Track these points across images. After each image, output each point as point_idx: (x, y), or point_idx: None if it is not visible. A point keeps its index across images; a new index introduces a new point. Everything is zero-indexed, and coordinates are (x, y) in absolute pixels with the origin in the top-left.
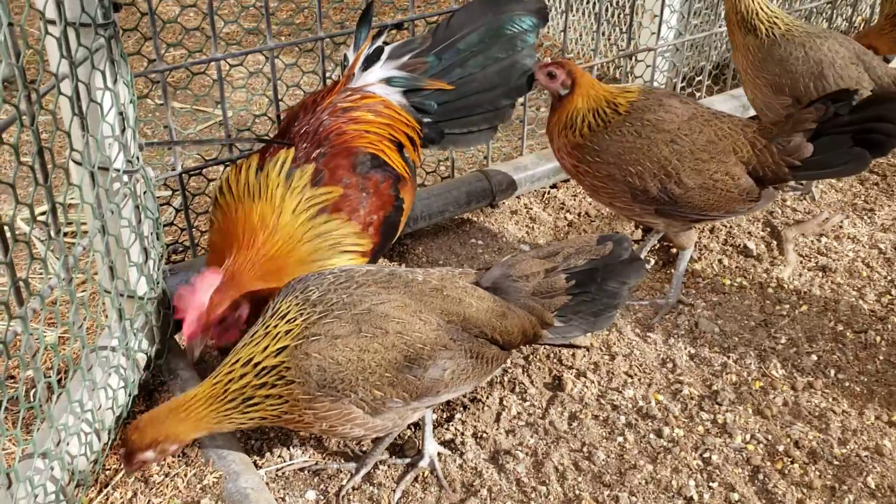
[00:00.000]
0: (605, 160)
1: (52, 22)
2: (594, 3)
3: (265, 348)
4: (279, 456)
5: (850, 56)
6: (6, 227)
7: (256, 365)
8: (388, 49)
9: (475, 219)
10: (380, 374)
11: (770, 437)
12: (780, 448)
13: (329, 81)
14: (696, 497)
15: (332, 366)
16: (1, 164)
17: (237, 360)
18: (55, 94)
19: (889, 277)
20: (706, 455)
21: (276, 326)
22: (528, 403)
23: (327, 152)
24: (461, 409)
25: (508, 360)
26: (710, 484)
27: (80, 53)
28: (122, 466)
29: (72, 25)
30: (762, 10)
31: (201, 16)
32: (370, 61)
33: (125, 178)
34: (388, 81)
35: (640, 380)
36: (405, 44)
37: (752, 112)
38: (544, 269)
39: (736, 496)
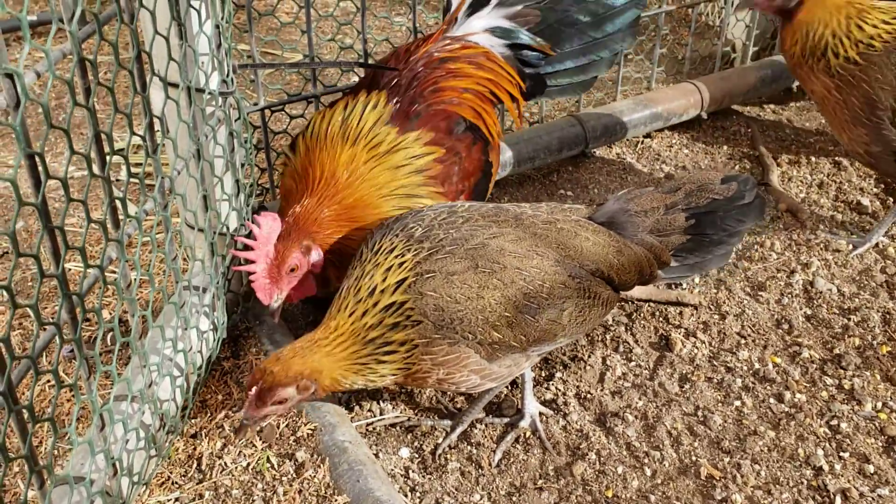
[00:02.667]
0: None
1: None
2: None
3: (384, 280)
4: (369, 410)
5: None
6: (104, 137)
7: (382, 298)
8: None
9: (564, 168)
10: (500, 313)
11: None
12: None
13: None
14: (825, 467)
15: (450, 304)
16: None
17: (360, 289)
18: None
19: None
20: (833, 423)
21: (386, 260)
22: (633, 364)
23: (422, 112)
24: (561, 367)
25: (609, 316)
26: (841, 454)
27: None
28: (247, 412)
29: None
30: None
31: None
32: (477, 5)
33: (220, 99)
34: (494, 32)
35: (754, 341)
36: None
37: None
38: (664, 204)
39: (871, 468)
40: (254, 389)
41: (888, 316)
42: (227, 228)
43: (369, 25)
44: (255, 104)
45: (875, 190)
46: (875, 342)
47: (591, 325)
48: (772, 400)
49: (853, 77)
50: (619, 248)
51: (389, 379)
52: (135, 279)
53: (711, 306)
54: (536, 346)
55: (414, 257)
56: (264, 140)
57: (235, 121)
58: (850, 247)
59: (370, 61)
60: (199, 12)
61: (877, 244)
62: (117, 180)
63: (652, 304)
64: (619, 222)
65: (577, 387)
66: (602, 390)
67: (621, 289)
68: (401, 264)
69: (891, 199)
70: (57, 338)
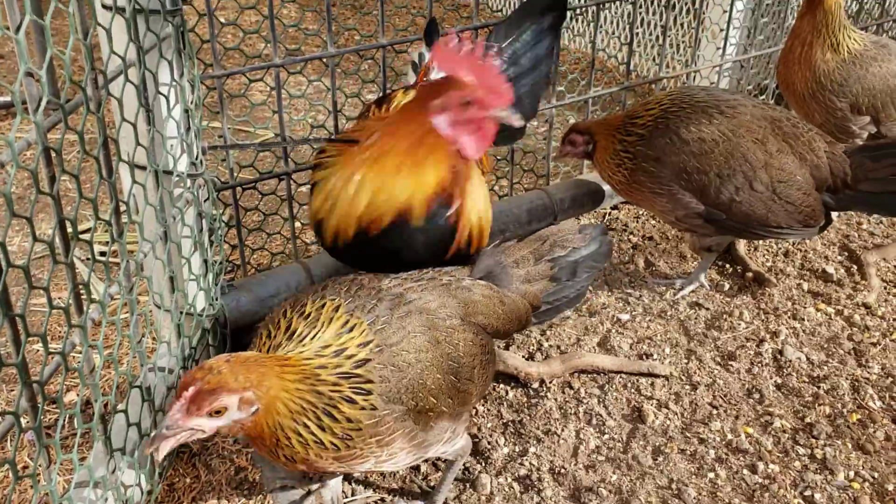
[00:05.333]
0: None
1: (122, 9)
2: (660, 16)
3: (341, 341)
4: (342, 492)
5: None
6: (68, 223)
7: (344, 364)
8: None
9: None
10: (433, 375)
11: (876, 474)
12: (890, 487)
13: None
14: None
15: (395, 373)
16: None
17: (326, 346)
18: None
19: None
20: (807, 493)
21: (335, 317)
22: (606, 437)
23: None
24: (535, 441)
25: (582, 388)
26: None
27: (148, 39)
28: (173, 419)
29: (140, 12)
30: (847, 25)
31: (256, 21)
32: None
33: (189, 181)
34: None
35: (726, 411)
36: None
37: None
38: (533, 255)
39: None
40: (190, 390)
41: (856, 383)
42: (195, 309)
43: (340, 103)
44: (227, 182)
45: (839, 258)
46: (845, 410)
47: (490, 383)
48: (745, 471)
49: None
50: (502, 298)
51: (322, 457)
52: (98, 364)
53: (683, 376)
54: (462, 408)
55: (363, 324)
56: (235, 217)
57: (205, 201)
58: (677, 285)
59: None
60: (167, 98)
61: (844, 310)
62: (87, 259)
63: (623, 375)
64: (496, 275)
65: (551, 461)
66: (576, 464)
67: (503, 338)
68: (352, 328)
69: (854, 267)
70: (16, 427)
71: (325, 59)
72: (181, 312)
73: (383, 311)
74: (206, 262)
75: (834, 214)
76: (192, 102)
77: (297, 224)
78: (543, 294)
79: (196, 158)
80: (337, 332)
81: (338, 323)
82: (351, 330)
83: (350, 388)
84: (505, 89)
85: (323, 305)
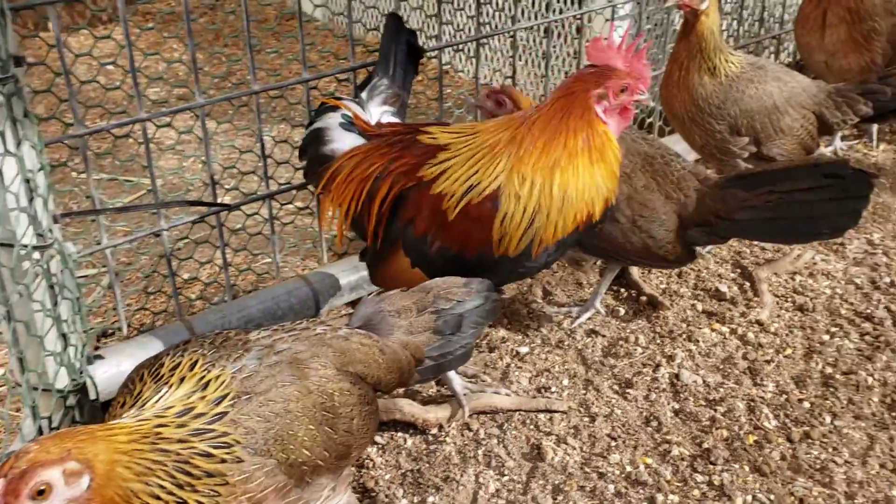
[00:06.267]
0: None
1: None
2: (541, 42)
3: (194, 407)
4: None
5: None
6: None
7: (191, 423)
8: (366, 94)
9: None
10: (306, 426)
11: (773, 496)
12: None
13: (266, 139)
14: None
15: (262, 424)
16: None
17: (169, 408)
18: None
19: (868, 312)
20: None
21: (190, 374)
22: (506, 478)
23: None
24: (434, 491)
25: (482, 429)
26: None
27: None
28: None
29: None
30: (724, 49)
31: (121, 76)
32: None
33: (36, 254)
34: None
35: (624, 442)
36: (372, 87)
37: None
38: (416, 306)
39: None
40: (1, 482)
41: (752, 403)
42: (54, 386)
43: (226, 152)
44: (99, 243)
45: (732, 275)
46: (742, 432)
47: (373, 435)
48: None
49: None
50: (381, 348)
51: None
52: None
53: (581, 408)
54: (341, 461)
55: (222, 376)
56: (111, 279)
57: (61, 272)
58: (574, 314)
59: (217, 190)
60: (1, 171)
61: (738, 328)
62: None
63: (522, 412)
64: (375, 324)
65: None
66: None
67: (385, 391)
68: (206, 384)
69: (747, 284)
70: None
71: (194, 111)
72: (35, 389)
73: (250, 360)
74: (63, 335)
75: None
76: (37, 168)
77: (178, 279)
78: (427, 347)
79: (44, 229)
80: (188, 391)
81: (191, 381)
82: (205, 387)
83: (204, 443)
84: (648, 76)
85: (178, 364)
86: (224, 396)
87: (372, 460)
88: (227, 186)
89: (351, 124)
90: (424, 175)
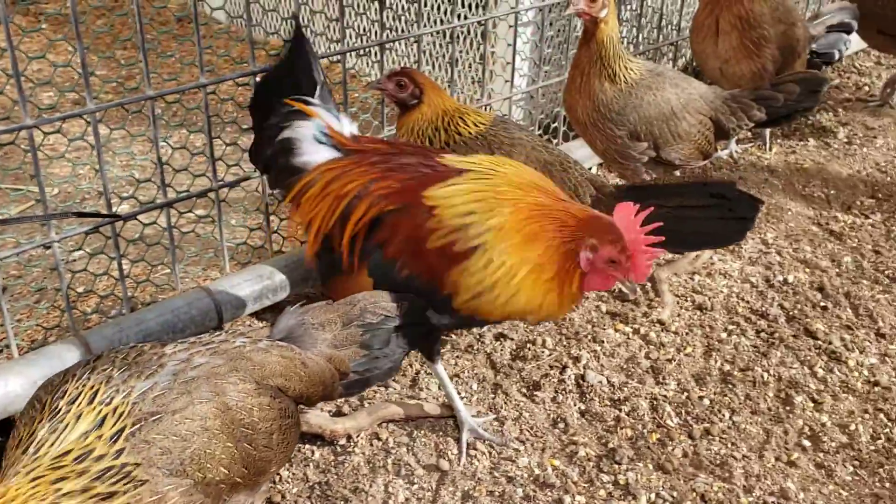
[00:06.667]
0: None
1: None
2: (447, 47)
3: (93, 449)
4: None
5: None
6: None
7: (91, 468)
8: (321, 107)
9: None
10: (223, 443)
11: (675, 493)
12: None
13: (164, 145)
14: None
15: (178, 443)
16: None
17: (66, 453)
18: None
19: (763, 309)
20: None
21: (87, 410)
22: (416, 486)
23: None
24: (342, 502)
25: (391, 438)
26: None
27: None
28: None
29: None
30: (623, 56)
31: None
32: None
33: None
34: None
35: (532, 445)
36: (321, 96)
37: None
38: (341, 319)
39: None
40: None
41: (655, 402)
42: None
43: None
44: None
45: None
46: (645, 431)
47: (293, 449)
48: None
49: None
50: (304, 360)
51: None
52: None
53: (490, 412)
54: (260, 477)
55: (125, 401)
56: None
57: None
58: None
59: (112, 201)
60: None
61: (641, 328)
62: None
63: (431, 419)
64: (297, 335)
65: None
66: None
67: (308, 404)
68: (103, 420)
69: (648, 284)
70: None
71: (85, 117)
72: None
73: (164, 377)
74: None
75: None
76: None
77: (72, 292)
78: (353, 361)
79: None
80: (85, 430)
81: (89, 418)
82: (101, 424)
83: (106, 484)
84: (646, 272)
85: (80, 394)
86: (121, 431)
87: (279, 474)
88: (123, 195)
89: (325, 136)
90: (412, 202)
